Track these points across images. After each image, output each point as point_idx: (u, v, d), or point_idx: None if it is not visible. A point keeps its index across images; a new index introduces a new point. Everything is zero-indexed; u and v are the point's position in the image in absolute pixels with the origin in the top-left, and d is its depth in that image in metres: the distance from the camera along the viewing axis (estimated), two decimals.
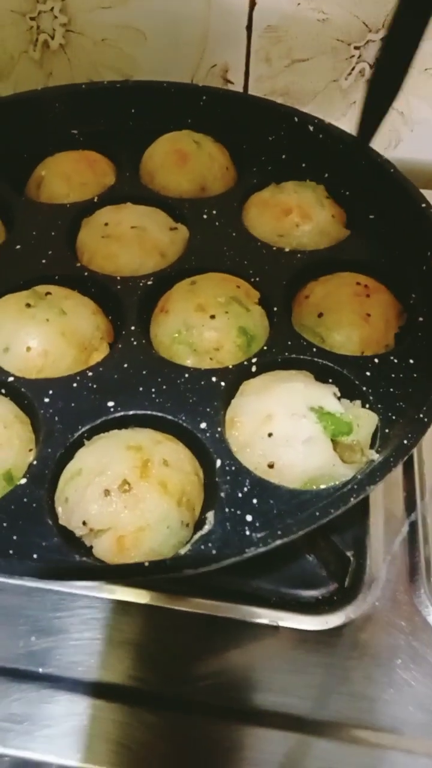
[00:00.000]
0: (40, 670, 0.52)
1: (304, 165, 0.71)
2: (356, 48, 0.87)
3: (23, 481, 0.48)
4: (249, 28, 0.86)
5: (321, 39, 0.86)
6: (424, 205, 0.61)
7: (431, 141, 0.93)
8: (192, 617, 0.54)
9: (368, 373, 0.54)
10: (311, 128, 0.70)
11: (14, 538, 0.45)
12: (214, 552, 0.43)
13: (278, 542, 0.41)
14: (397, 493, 0.61)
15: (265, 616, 0.54)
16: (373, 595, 0.55)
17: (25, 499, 0.47)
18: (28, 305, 0.55)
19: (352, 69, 0.89)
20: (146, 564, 0.40)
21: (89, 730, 0.50)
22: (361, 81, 0.90)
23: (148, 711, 0.51)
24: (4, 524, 0.46)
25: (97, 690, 0.51)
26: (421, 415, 0.47)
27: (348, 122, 0.95)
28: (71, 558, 0.44)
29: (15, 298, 0.56)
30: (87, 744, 0.49)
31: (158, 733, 0.50)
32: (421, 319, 0.58)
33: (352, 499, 0.43)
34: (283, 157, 0.72)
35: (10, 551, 0.44)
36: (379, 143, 0.96)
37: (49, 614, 0.54)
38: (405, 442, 0.46)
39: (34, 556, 0.44)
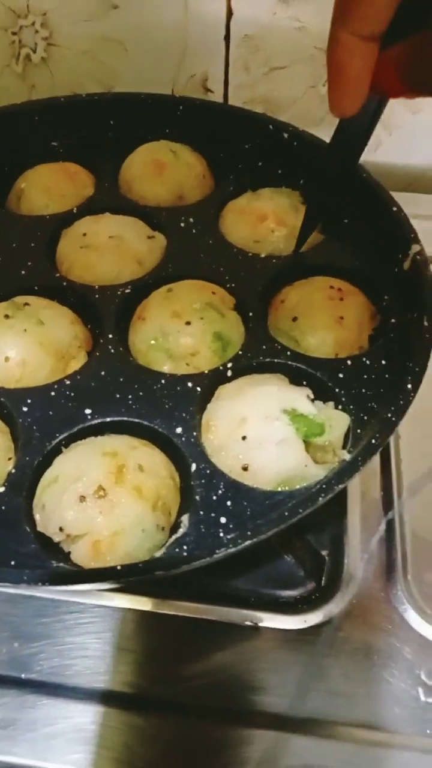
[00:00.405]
0: (23, 675, 0.53)
1: (280, 171, 0.72)
2: None
3: (1, 489, 0.49)
4: (227, 38, 0.87)
5: (298, 47, 0.88)
6: (395, 208, 0.62)
7: (410, 145, 0.95)
8: (173, 620, 0.55)
9: (341, 375, 0.55)
10: (286, 135, 0.71)
11: None
12: (185, 554, 0.43)
13: (248, 542, 0.42)
14: (374, 492, 0.62)
15: (245, 616, 0.55)
16: (351, 593, 0.56)
17: (3, 507, 0.48)
18: (7, 316, 0.56)
19: None
20: (119, 567, 0.41)
21: (72, 734, 0.51)
22: None
23: (131, 713, 0.52)
24: None
25: (78, 694, 0.52)
26: (390, 415, 0.48)
27: (327, 127, 0.95)
28: (48, 564, 0.45)
29: None
30: (70, 747, 0.50)
31: (141, 735, 0.51)
32: (393, 320, 0.59)
33: (320, 499, 0.44)
34: (260, 164, 0.73)
35: None
36: None
37: (32, 620, 0.55)
38: (373, 441, 0.47)
39: (12, 562, 0.45)
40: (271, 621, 0.55)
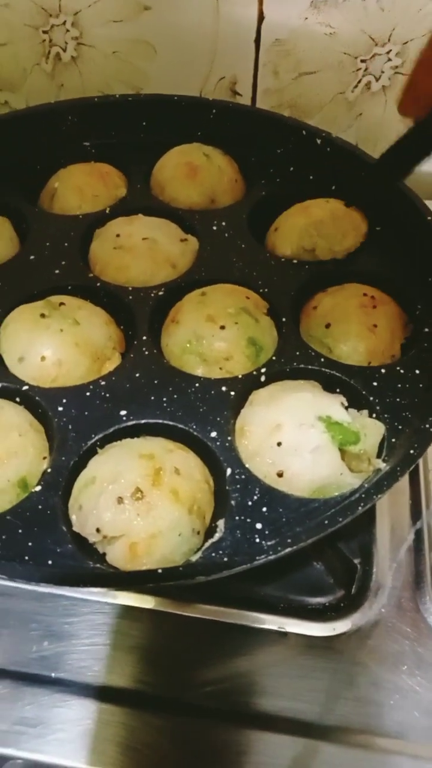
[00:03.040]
0: (53, 674, 0.53)
1: (311, 177, 0.73)
2: (362, 61, 0.88)
3: (38, 488, 0.49)
4: (257, 41, 0.87)
5: (328, 52, 0.88)
6: (430, 217, 0.62)
7: None
8: (201, 623, 0.55)
9: (375, 383, 0.55)
10: (319, 141, 0.71)
11: (29, 544, 0.46)
12: (225, 559, 0.44)
13: (288, 550, 0.42)
14: (403, 502, 0.62)
15: (272, 622, 0.55)
16: (379, 602, 0.56)
17: (39, 506, 0.48)
18: (43, 315, 0.56)
19: (359, 82, 0.90)
20: (159, 571, 0.41)
21: (99, 734, 0.51)
22: (367, 94, 0.92)
23: (156, 715, 0.52)
24: (20, 530, 0.47)
25: (106, 694, 0.52)
26: (427, 425, 0.48)
27: (354, 134, 0.97)
28: (85, 564, 0.45)
29: (29, 309, 0.57)
30: (97, 747, 0.50)
31: (167, 736, 0.51)
32: (426, 330, 0.59)
33: (360, 508, 0.44)
34: (291, 169, 0.74)
35: (26, 557, 0.45)
36: None
37: (61, 619, 0.55)
38: (411, 452, 0.47)
39: (49, 562, 0.45)
40: (299, 627, 0.55)
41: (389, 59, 0.88)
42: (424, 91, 0.37)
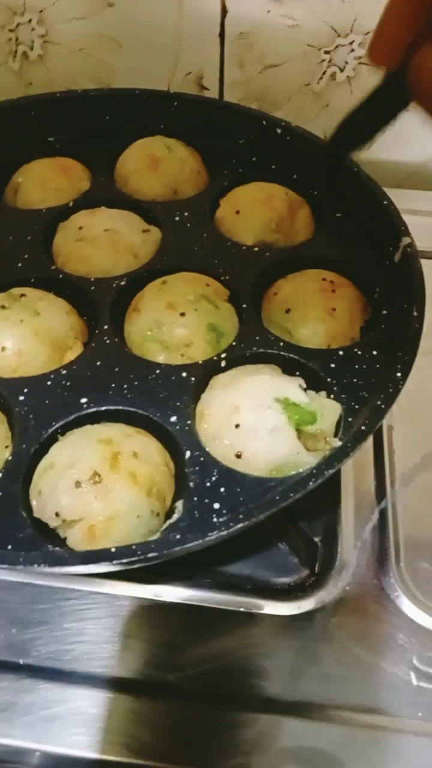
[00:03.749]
0: (21, 660, 0.54)
1: (273, 167, 0.73)
2: (326, 52, 0.89)
3: None
4: (221, 35, 0.88)
5: (292, 44, 0.89)
6: (386, 202, 0.63)
7: (401, 142, 0.95)
8: (170, 606, 0.56)
9: (333, 365, 0.56)
10: (279, 131, 0.72)
11: None
12: (178, 536, 0.44)
13: (240, 525, 0.43)
14: (368, 482, 0.63)
15: (241, 603, 0.56)
16: (344, 580, 0.57)
17: (0, 494, 0.49)
18: (3, 307, 0.57)
19: (323, 73, 0.91)
20: (113, 550, 0.41)
21: (70, 717, 0.51)
22: (332, 84, 0.93)
23: (129, 697, 0.52)
24: None
25: (77, 678, 0.53)
26: (379, 402, 0.49)
27: (321, 124, 0.97)
28: (44, 548, 0.46)
29: None
30: (67, 730, 0.51)
31: (138, 718, 0.51)
32: (384, 312, 0.60)
33: (311, 483, 0.44)
34: (254, 159, 0.74)
35: None
36: None
37: (29, 606, 0.56)
38: (363, 428, 0.47)
39: (9, 546, 0.46)
40: (266, 607, 0.56)
41: (352, 50, 0.89)
42: (392, 37, 0.36)
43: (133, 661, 0.54)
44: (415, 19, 0.35)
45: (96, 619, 0.56)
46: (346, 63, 0.90)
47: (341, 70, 0.91)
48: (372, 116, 0.43)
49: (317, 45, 0.88)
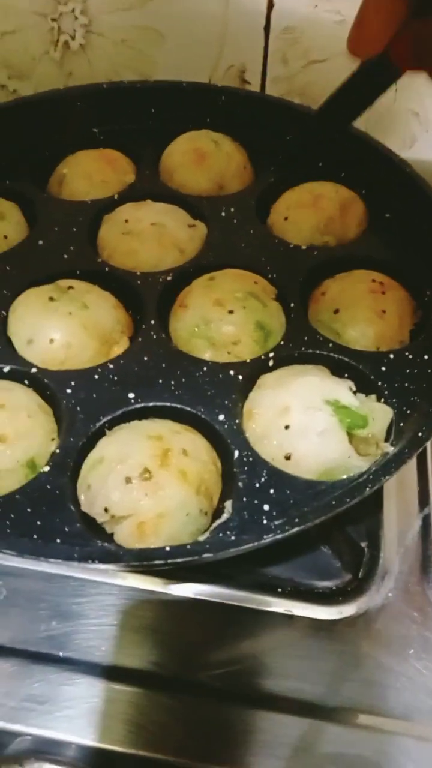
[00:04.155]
0: (60, 653, 0.53)
1: (320, 164, 0.72)
2: None
3: (46, 468, 0.49)
4: (267, 29, 0.87)
5: (337, 40, 0.87)
6: None
7: None
8: (208, 606, 0.55)
9: (383, 368, 0.55)
10: None
11: (38, 523, 0.47)
12: (233, 538, 0.44)
13: (295, 530, 0.42)
14: (410, 488, 0.62)
15: (280, 605, 0.55)
16: (387, 586, 0.56)
17: (48, 486, 0.48)
18: (51, 299, 0.56)
19: None
20: (167, 549, 0.41)
21: (107, 711, 0.51)
22: None
23: (163, 694, 0.52)
24: (28, 510, 0.47)
25: (114, 673, 0.53)
26: None
27: (363, 121, 0.96)
28: (93, 543, 0.46)
29: (38, 292, 0.58)
30: (104, 724, 0.50)
31: (174, 715, 0.51)
32: None
33: (367, 490, 0.44)
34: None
35: (34, 536, 0.46)
36: (393, 143, 0.97)
37: (69, 600, 0.56)
38: (419, 434, 0.47)
39: (57, 540, 0.45)
40: (306, 610, 0.55)
41: None
42: (371, 29, 0.37)
43: (170, 659, 0.54)
44: (395, 11, 0.35)
45: (133, 615, 0.55)
46: None
47: None
48: (359, 93, 0.46)
49: None
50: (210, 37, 0.89)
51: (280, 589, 0.55)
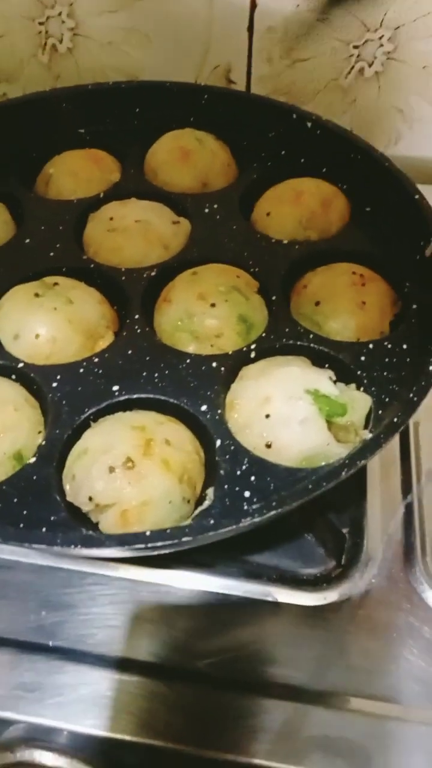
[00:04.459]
0: (50, 643, 0.54)
1: (302, 160, 0.73)
2: (355, 47, 0.89)
3: (33, 460, 0.50)
4: (250, 29, 0.88)
5: (321, 39, 0.89)
6: (417, 196, 0.63)
7: (430, 138, 0.95)
8: (195, 594, 0.56)
9: (363, 358, 0.56)
10: (309, 124, 0.72)
11: (24, 512, 0.48)
12: (212, 522, 0.45)
13: (272, 513, 0.43)
14: (394, 476, 0.63)
15: (266, 592, 0.56)
16: (370, 572, 0.57)
17: (34, 477, 0.49)
18: (37, 295, 0.57)
19: (352, 68, 0.91)
20: (147, 533, 0.42)
21: (96, 699, 0.52)
22: (360, 79, 0.92)
23: (154, 680, 0.53)
24: (15, 500, 0.48)
25: (105, 661, 0.54)
26: (411, 395, 0.49)
27: (349, 119, 0.97)
28: (78, 531, 0.47)
29: (24, 289, 0.59)
30: (94, 711, 0.51)
31: (163, 702, 0.52)
32: (414, 306, 0.60)
33: (343, 474, 0.45)
34: (283, 152, 0.75)
35: (21, 524, 0.47)
36: (379, 140, 0.99)
37: (59, 591, 0.57)
38: (395, 420, 0.48)
39: (43, 529, 0.46)
40: (292, 597, 0.56)
41: (381, 45, 0.88)
42: None
43: (158, 647, 0.55)
44: None
45: (122, 604, 0.56)
46: (375, 58, 0.90)
47: (369, 66, 0.91)
48: None
49: (346, 40, 0.88)
50: (195, 38, 0.90)
51: (265, 577, 0.56)
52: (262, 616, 0.56)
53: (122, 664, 0.54)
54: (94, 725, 0.51)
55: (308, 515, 0.57)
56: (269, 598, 0.56)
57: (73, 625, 0.55)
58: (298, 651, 0.54)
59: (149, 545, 0.41)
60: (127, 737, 0.51)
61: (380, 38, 0.88)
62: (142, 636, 0.55)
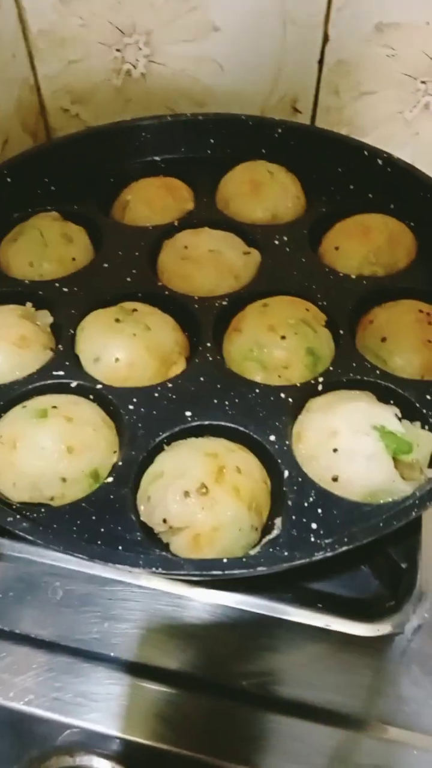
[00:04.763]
0: (112, 654, 0.57)
1: (370, 195, 0.75)
2: (423, 82, 0.90)
3: (110, 479, 0.53)
4: (320, 62, 0.90)
5: (389, 73, 0.90)
6: None
7: None
8: (248, 616, 0.58)
9: (428, 396, 0.58)
10: (380, 162, 0.74)
11: (102, 530, 0.50)
12: (285, 553, 0.47)
13: (344, 548, 0.45)
14: None
15: (319, 619, 0.58)
16: (423, 606, 0.59)
17: (111, 496, 0.52)
18: (117, 320, 0.60)
19: (418, 102, 0.93)
20: (224, 560, 0.44)
21: (153, 711, 0.54)
22: (425, 113, 0.94)
23: (202, 696, 0.55)
24: (93, 518, 0.51)
25: (161, 676, 0.56)
26: None
27: (411, 152, 0.99)
28: (152, 551, 0.49)
29: (105, 313, 0.62)
30: (151, 723, 0.54)
31: (217, 719, 0.54)
32: None
33: (413, 513, 0.46)
34: (351, 187, 0.77)
35: (98, 542, 0.49)
36: None
37: (120, 603, 0.59)
38: None
39: (119, 547, 0.49)
40: (344, 626, 0.57)
41: None
42: None
43: (210, 665, 0.57)
44: None
45: (179, 621, 0.59)
46: None
47: None
48: None
49: (414, 75, 0.90)
50: (266, 69, 0.92)
51: (320, 604, 0.58)
52: (313, 641, 0.58)
53: (176, 678, 0.56)
54: (149, 736, 0.53)
55: (367, 547, 0.59)
56: (322, 625, 0.57)
57: (133, 638, 0.58)
58: (349, 679, 0.56)
59: (226, 572, 0.43)
60: (181, 750, 0.53)
61: None
62: (196, 653, 0.57)
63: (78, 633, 0.58)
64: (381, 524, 0.46)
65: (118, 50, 0.95)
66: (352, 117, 0.96)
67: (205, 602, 0.58)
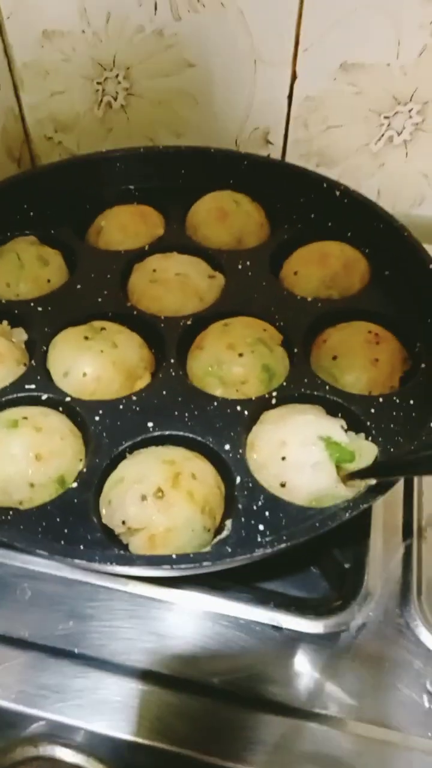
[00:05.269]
0: (75, 650, 0.61)
1: (330, 224, 0.81)
2: (386, 117, 0.97)
3: (74, 485, 0.57)
4: (290, 97, 0.96)
5: (354, 109, 0.97)
6: (431, 266, 0.69)
7: None
8: (205, 615, 0.62)
9: (372, 410, 0.62)
10: (338, 193, 0.79)
11: (65, 531, 0.54)
12: (229, 550, 0.51)
13: (283, 546, 0.49)
14: (396, 519, 0.69)
15: (271, 617, 0.62)
16: (368, 606, 0.63)
17: (75, 500, 0.56)
18: (86, 338, 0.65)
19: (382, 135, 0.99)
20: (174, 556, 0.48)
21: (114, 703, 0.58)
22: (390, 146, 1.00)
23: (168, 691, 0.59)
24: (57, 519, 0.55)
25: (123, 670, 0.60)
26: (413, 447, 0.55)
27: (377, 182, 1.05)
28: (111, 550, 0.53)
29: (75, 331, 0.66)
30: (111, 714, 0.57)
31: (173, 709, 0.58)
32: (423, 365, 0.66)
33: (346, 515, 0.51)
34: (312, 216, 0.82)
35: (62, 541, 0.53)
36: (404, 201, 1.06)
37: (85, 603, 0.63)
38: None
39: (81, 546, 0.53)
40: (293, 623, 0.61)
41: (410, 116, 0.96)
42: None
43: (175, 662, 0.60)
44: None
45: (141, 619, 0.62)
46: (404, 128, 0.98)
47: (398, 134, 0.99)
48: None
49: (378, 110, 0.96)
50: (238, 103, 0.99)
51: (272, 603, 0.62)
52: (265, 638, 0.62)
53: (139, 673, 0.60)
54: (110, 727, 0.57)
55: (315, 549, 0.63)
56: (275, 624, 0.62)
57: (98, 635, 0.61)
58: (297, 673, 0.60)
59: (174, 567, 0.47)
60: (137, 739, 0.57)
61: (410, 111, 0.96)
62: (157, 649, 0.61)
63: (43, 630, 0.62)
64: (317, 524, 0.50)
65: (98, 83, 1.01)
66: (321, 149, 1.02)
67: (163, 600, 0.62)
